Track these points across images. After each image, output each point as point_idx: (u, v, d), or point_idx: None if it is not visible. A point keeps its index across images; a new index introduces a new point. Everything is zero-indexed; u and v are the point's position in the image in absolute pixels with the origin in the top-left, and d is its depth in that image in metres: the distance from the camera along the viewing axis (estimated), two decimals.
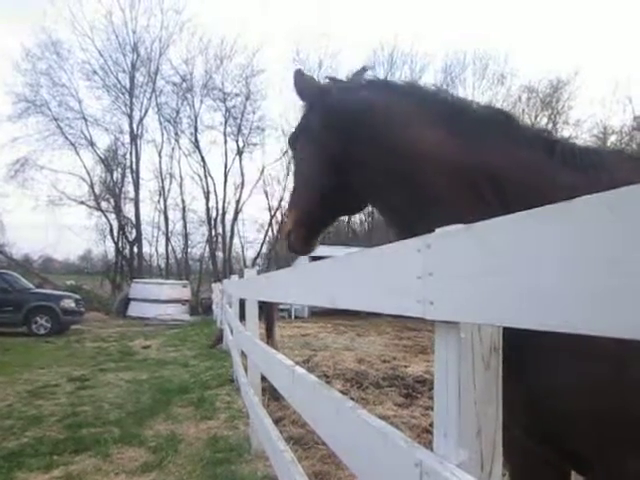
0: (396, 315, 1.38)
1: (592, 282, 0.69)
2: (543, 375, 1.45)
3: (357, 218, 38.10)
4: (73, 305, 18.57)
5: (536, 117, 38.40)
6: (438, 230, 1.13)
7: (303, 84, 2.28)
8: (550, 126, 37.54)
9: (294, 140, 2.34)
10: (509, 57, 43.06)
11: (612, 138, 36.45)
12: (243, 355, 6.44)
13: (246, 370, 5.88)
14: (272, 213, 40.70)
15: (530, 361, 1.45)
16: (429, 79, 38.91)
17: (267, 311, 10.75)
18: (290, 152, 2.47)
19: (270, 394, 6.64)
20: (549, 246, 0.78)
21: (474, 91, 38.77)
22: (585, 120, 36.90)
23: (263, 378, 4.75)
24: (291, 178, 2.34)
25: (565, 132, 37.46)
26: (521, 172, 1.58)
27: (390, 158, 1.84)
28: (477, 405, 1.09)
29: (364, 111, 1.95)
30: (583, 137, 36.84)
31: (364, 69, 2.22)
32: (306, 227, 2.23)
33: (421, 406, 6.89)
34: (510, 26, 57.86)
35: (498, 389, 1.13)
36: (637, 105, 35.21)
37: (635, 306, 0.62)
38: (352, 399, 7.23)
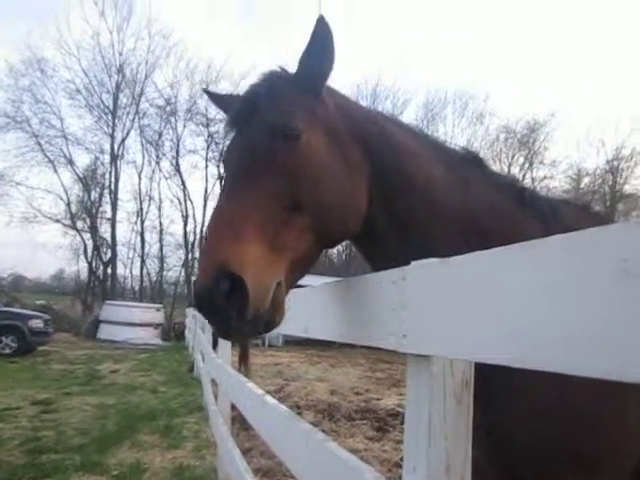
0: (370, 347, 1.38)
1: (556, 318, 0.70)
2: (500, 404, 1.54)
3: (335, 248, 38.23)
4: (41, 325, 18.07)
5: (513, 156, 39.40)
6: (414, 263, 1.13)
7: (330, 47, 1.59)
8: (527, 166, 38.51)
9: (296, 119, 1.55)
10: (489, 97, 44.28)
11: (586, 180, 37.55)
12: (214, 383, 6.33)
13: (216, 398, 5.77)
14: None
15: (491, 391, 1.49)
16: (411, 114, 39.66)
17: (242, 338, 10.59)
18: (275, 139, 1.52)
19: (240, 423, 6.51)
20: (519, 282, 0.79)
21: (454, 128, 39.69)
22: (560, 161, 37.92)
23: (233, 407, 4.67)
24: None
25: (541, 172, 38.49)
26: (500, 223, 1.71)
27: (407, 195, 1.70)
28: (447, 440, 1.09)
29: (391, 139, 1.75)
30: (558, 177, 37.88)
31: None
32: (296, 277, 1.52)
33: (392, 440, 6.82)
34: (490, 67, 59.72)
35: (469, 424, 1.13)
36: (609, 148, 36.35)
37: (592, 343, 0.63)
38: (323, 431, 7.12)
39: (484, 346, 0.88)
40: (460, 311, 0.94)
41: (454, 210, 1.69)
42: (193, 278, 40.88)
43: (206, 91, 1.98)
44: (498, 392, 1.51)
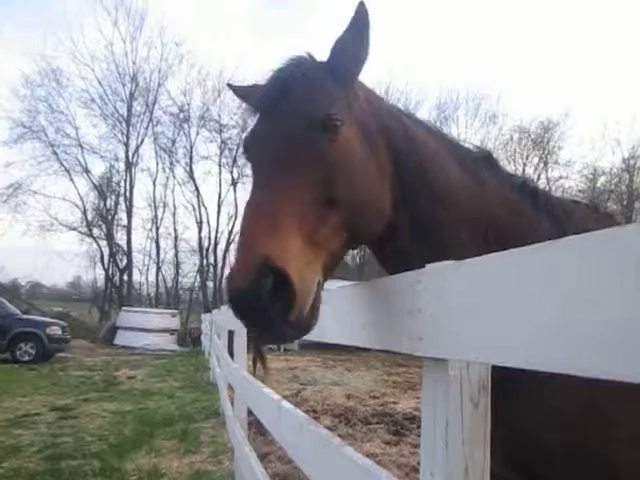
0: (386, 350, 1.37)
1: (572, 320, 0.69)
2: (522, 409, 1.52)
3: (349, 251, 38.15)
4: (59, 332, 18.27)
5: (527, 157, 39.07)
6: (428, 266, 1.13)
7: (366, 35, 1.53)
8: (541, 166, 38.19)
9: (335, 112, 1.47)
10: (501, 97, 44.04)
11: (602, 179, 37.13)
12: (230, 388, 6.34)
13: (233, 403, 5.78)
14: None
15: (511, 395, 1.47)
16: (423, 115, 39.35)
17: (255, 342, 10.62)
18: (311, 132, 1.43)
19: (256, 428, 6.51)
20: (534, 284, 0.78)
21: (467, 129, 39.45)
22: (575, 161, 37.50)
23: (250, 412, 4.67)
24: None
25: (556, 172, 38.14)
26: (515, 223, 1.70)
27: (428, 195, 1.66)
28: (465, 445, 1.08)
29: (414, 138, 1.71)
30: (574, 177, 37.50)
31: None
32: (328, 276, 1.43)
33: (410, 444, 6.77)
34: (503, 67, 59.41)
35: (486, 429, 1.11)
36: (625, 147, 35.92)
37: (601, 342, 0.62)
38: (340, 436, 7.10)
39: (501, 349, 0.87)
40: (476, 314, 0.93)
41: (471, 210, 1.68)
42: (209, 284, 40.82)
43: (230, 86, 1.89)
44: (519, 393, 1.49)
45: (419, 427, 1.20)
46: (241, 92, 1.84)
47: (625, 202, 35.34)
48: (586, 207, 1.99)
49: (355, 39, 1.51)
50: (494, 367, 1.06)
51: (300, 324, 1.23)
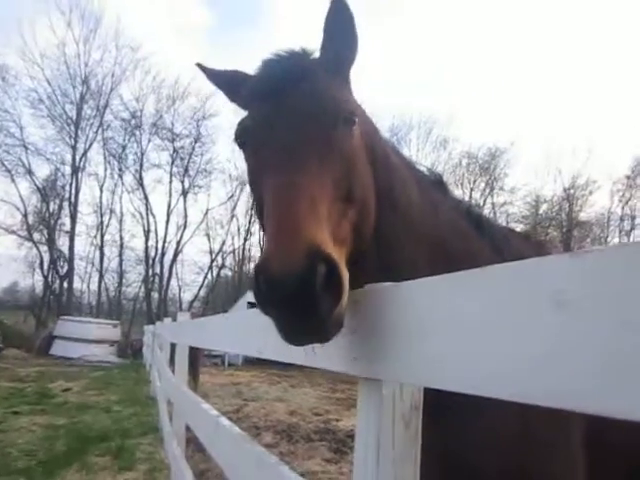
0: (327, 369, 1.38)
1: (501, 345, 0.72)
2: (456, 430, 1.54)
3: None
4: None
5: (475, 182, 40.39)
6: (367, 286, 1.15)
7: (353, 29, 1.53)
8: (488, 191, 39.51)
9: (353, 108, 1.47)
10: (452, 123, 45.40)
11: (544, 206, 38.79)
12: (170, 402, 6.18)
13: (171, 418, 5.63)
14: (213, 256, 40.27)
15: (447, 418, 1.50)
16: None
17: (193, 356, 10.46)
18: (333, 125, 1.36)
19: (195, 445, 6.36)
20: (468, 308, 0.81)
21: (418, 153, 40.47)
22: (519, 188, 39.08)
23: (189, 427, 4.57)
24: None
25: (501, 198, 39.52)
26: (462, 246, 1.75)
27: (391, 214, 1.64)
28: (395, 464, 1.09)
29: (388, 157, 1.71)
30: (517, 204, 38.95)
31: None
32: None
33: (350, 462, 6.77)
34: (454, 94, 61.39)
35: (417, 449, 1.13)
36: (566, 177, 37.68)
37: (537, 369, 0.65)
38: (281, 453, 7.04)
39: (433, 371, 0.89)
40: (410, 335, 0.95)
41: (426, 232, 1.70)
42: (154, 294, 39.67)
43: (199, 65, 1.75)
44: (456, 415, 1.50)
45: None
46: (216, 76, 1.71)
47: (565, 229, 36.98)
48: (520, 236, 2.09)
49: (342, 35, 1.49)
50: (430, 390, 1.07)
51: (339, 322, 1.12)
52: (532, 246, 2.05)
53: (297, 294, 1.00)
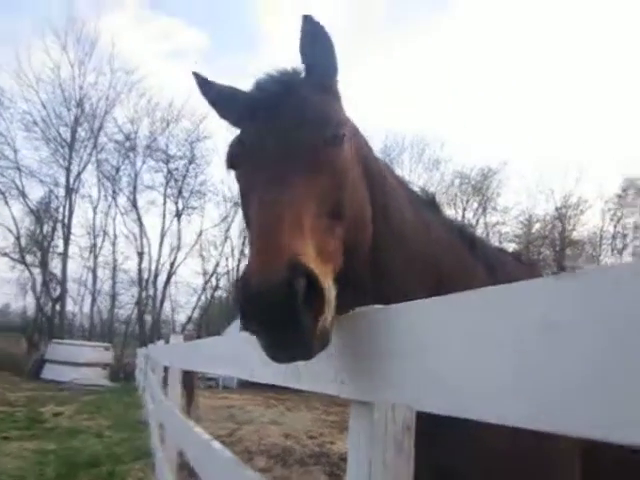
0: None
1: (493, 369, 0.72)
2: (452, 446, 1.54)
3: None
4: None
5: (467, 202, 40.59)
6: (357, 309, 1.14)
7: (331, 47, 1.53)
8: (480, 211, 39.72)
9: (342, 126, 1.47)
10: (445, 144, 45.75)
11: (536, 226, 38.97)
12: (162, 426, 6.09)
13: (163, 443, 5.54)
14: (207, 278, 40.13)
15: (441, 439, 1.48)
16: None
17: (187, 379, 10.34)
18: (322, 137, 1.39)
19: (188, 470, 6.26)
20: (453, 331, 0.81)
21: (410, 173, 40.67)
22: (512, 207, 39.31)
23: (181, 452, 4.50)
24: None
25: (494, 217, 39.70)
26: (456, 267, 1.76)
27: (385, 234, 1.63)
28: None
29: (385, 177, 1.71)
30: (510, 223, 39.14)
31: None
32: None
33: None
34: (447, 115, 62.10)
35: (410, 471, 1.12)
36: (558, 196, 38.00)
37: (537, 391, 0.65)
38: (275, 477, 6.93)
39: (424, 394, 0.89)
40: (399, 358, 0.95)
41: (419, 252, 1.70)
42: (147, 317, 39.42)
43: (195, 74, 1.72)
44: (449, 435, 1.49)
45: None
46: (209, 88, 1.69)
47: (558, 248, 37.16)
48: (512, 256, 2.10)
49: (323, 54, 1.51)
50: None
51: (325, 336, 1.10)
52: (524, 266, 2.07)
53: (276, 306, 0.99)
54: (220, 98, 1.67)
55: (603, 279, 0.57)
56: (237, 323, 24.24)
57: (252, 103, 1.50)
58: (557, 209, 37.96)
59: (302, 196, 1.24)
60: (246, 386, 22.94)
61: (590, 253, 38.86)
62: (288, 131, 1.39)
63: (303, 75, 1.54)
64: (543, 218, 38.76)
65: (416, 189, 1.97)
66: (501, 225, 39.20)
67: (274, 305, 0.99)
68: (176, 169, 38.32)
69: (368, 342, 1.05)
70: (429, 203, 1.91)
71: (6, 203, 35.08)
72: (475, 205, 40.62)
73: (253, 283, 1.02)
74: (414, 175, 40.41)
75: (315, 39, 1.48)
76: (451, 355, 0.81)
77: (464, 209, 39.72)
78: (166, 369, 6.43)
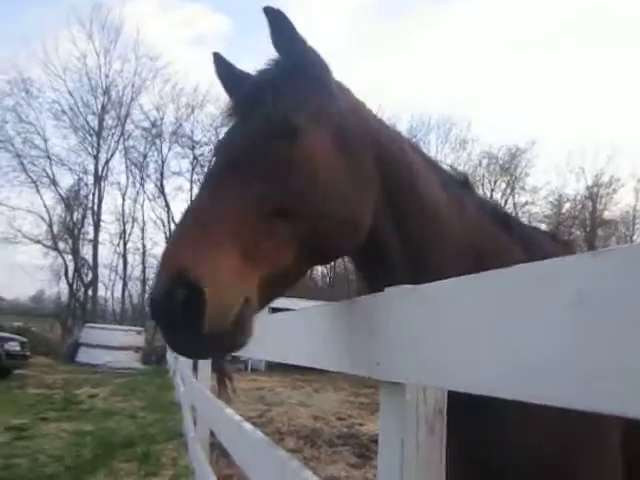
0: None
1: (523, 346, 0.70)
2: (494, 434, 1.48)
3: (319, 271, 38.16)
4: (18, 348, 17.69)
5: (495, 182, 39.99)
6: (387, 289, 1.13)
7: (301, 38, 1.48)
8: (509, 191, 39.08)
9: (298, 117, 1.39)
10: (471, 124, 45.01)
11: (566, 206, 38.22)
12: (194, 408, 6.22)
13: (196, 424, 5.66)
14: None
15: (481, 420, 1.45)
16: None
17: (217, 361, 10.50)
18: (272, 136, 1.36)
19: (220, 450, 6.39)
20: (487, 309, 0.79)
21: (437, 154, 40.20)
22: (541, 187, 38.55)
23: (212, 433, 4.59)
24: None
25: (522, 198, 39.04)
26: (492, 245, 1.72)
27: (419, 215, 1.61)
28: (420, 469, 1.07)
29: (411, 159, 1.66)
30: (539, 203, 38.45)
31: None
32: (274, 292, 1.35)
33: (375, 467, 6.72)
34: (474, 94, 60.91)
35: (442, 453, 1.12)
36: (589, 175, 37.10)
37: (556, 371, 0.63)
38: (304, 458, 7.02)
39: (456, 374, 0.88)
40: (432, 338, 0.94)
41: (455, 232, 1.67)
42: None
43: (216, 54, 1.65)
44: (489, 426, 1.45)
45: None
46: (223, 69, 1.63)
47: (588, 228, 36.39)
48: (546, 235, 2.05)
49: (290, 44, 1.46)
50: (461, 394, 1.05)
51: (216, 341, 1.15)
52: (560, 245, 2.01)
53: (160, 312, 1.12)
54: (228, 83, 1.63)
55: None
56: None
57: (230, 102, 1.52)
58: (588, 188, 37.13)
59: (225, 202, 1.24)
60: (274, 368, 23.23)
61: (623, 233, 37.96)
62: (235, 129, 1.40)
63: (278, 68, 1.49)
64: (573, 198, 38.01)
65: (446, 168, 1.93)
66: (530, 205, 38.58)
67: (159, 311, 1.12)
68: (202, 155, 38.61)
69: (399, 322, 1.05)
70: (461, 182, 1.86)
71: (38, 191, 36.01)
72: (503, 185, 40.04)
73: (150, 293, 1.16)
74: (441, 155, 39.93)
75: (279, 28, 1.43)
76: (484, 333, 0.80)
77: (492, 190, 39.16)
78: None
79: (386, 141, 1.60)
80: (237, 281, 1.17)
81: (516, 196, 39.37)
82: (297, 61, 1.47)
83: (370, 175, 1.50)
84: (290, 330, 1.80)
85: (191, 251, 1.15)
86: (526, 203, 38.71)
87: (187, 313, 1.10)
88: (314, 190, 1.33)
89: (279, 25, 1.43)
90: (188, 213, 1.27)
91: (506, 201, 38.15)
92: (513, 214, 1.98)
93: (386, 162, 1.55)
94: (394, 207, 1.57)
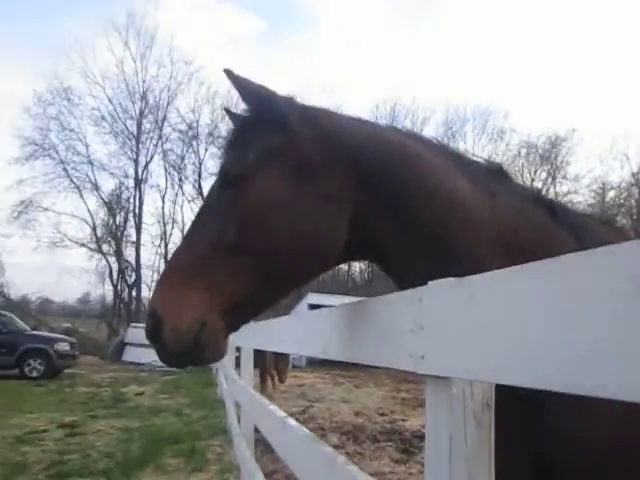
0: (392, 368, 1.36)
1: (579, 336, 0.68)
2: (550, 444, 1.39)
3: (357, 267, 38.06)
4: (67, 348, 18.31)
5: (535, 172, 39.03)
6: (430, 283, 1.12)
7: (259, 89, 1.65)
8: (550, 181, 38.11)
9: (247, 168, 1.57)
10: (509, 113, 43.97)
11: (611, 194, 36.95)
12: (237, 405, 6.31)
13: (240, 420, 5.74)
14: None
15: (538, 417, 1.40)
16: (431, 132, 39.77)
17: (259, 358, 10.62)
18: (226, 186, 1.59)
19: (264, 446, 6.46)
20: (538, 300, 0.78)
21: (474, 145, 39.55)
22: (584, 176, 37.35)
23: (257, 429, 4.64)
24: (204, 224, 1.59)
25: (564, 187, 37.98)
26: (536, 235, 1.63)
27: (425, 210, 1.60)
28: (469, 464, 1.06)
29: (396, 152, 1.66)
30: (582, 192, 37.34)
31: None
32: (240, 316, 1.56)
33: (419, 462, 6.68)
34: (510, 83, 59.59)
35: (491, 448, 1.10)
36: (634, 162, 35.78)
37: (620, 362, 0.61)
38: (348, 454, 7.03)
39: (504, 367, 0.86)
40: (479, 331, 0.92)
41: (484, 221, 1.61)
42: None
43: (227, 111, 1.92)
44: (554, 423, 1.37)
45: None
46: (243, 87, 1.69)
47: (635, 216, 35.11)
48: (600, 221, 1.93)
49: (251, 96, 1.66)
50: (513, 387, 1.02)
51: (181, 356, 1.48)
52: (616, 232, 1.90)
53: (148, 339, 1.48)
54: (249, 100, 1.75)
55: None
56: (305, 303, 24.60)
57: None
58: (633, 175, 35.76)
59: (189, 244, 1.56)
60: (315, 364, 23.33)
61: None
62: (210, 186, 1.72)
63: (244, 118, 1.74)
64: (618, 185, 36.66)
65: (480, 160, 1.88)
66: (572, 194, 37.46)
67: (148, 337, 1.48)
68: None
69: (444, 315, 1.03)
70: (495, 173, 1.81)
71: (81, 196, 37.11)
72: (544, 175, 39.03)
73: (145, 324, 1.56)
74: (477, 147, 39.31)
75: (239, 85, 1.65)
76: (535, 325, 0.78)
77: (532, 179, 38.17)
78: (238, 349, 6.63)
79: (370, 153, 1.64)
80: (191, 312, 1.43)
81: (557, 185, 38.34)
82: (258, 109, 1.66)
83: (344, 195, 1.58)
84: (330, 326, 1.80)
85: (159, 295, 1.48)
86: (568, 192, 37.64)
87: (156, 338, 1.45)
88: (257, 229, 1.50)
89: (239, 83, 1.65)
90: (168, 260, 1.67)
91: (547, 191, 37.09)
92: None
93: (367, 165, 1.61)
94: (393, 212, 1.60)
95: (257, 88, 1.64)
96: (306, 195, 1.54)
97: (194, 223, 1.62)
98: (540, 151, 38.74)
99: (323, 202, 1.55)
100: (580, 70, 59.54)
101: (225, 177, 1.61)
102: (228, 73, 1.67)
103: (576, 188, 37.55)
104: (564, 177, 38.35)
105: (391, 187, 1.61)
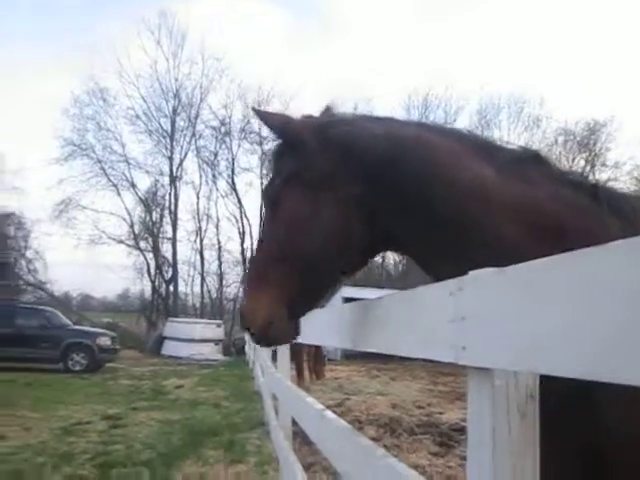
0: (430, 359, 1.35)
1: (624, 327, 0.66)
2: (597, 426, 1.33)
3: (391, 259, 37.83)
4: (109, 343, 18.82)
5: (573, 159, 37.94)
6: (471, 273, 1.10)
7: (279, 119, 1.93)
8: (588, 168, 37.02)
9: (276, 192, 1.87)
10: (544, 100, 42.71)
11: None
12: (275, 397, 6.37)
13: (277, 413, 5.80)
14: None
15: (590, 408, 1.34)
16: (464, 121, 39.04)
17: (296, 351, 10.69)
18: (268, 209, 1.93)
19: (302, 438, 6.50)
20: (584, 289, 0.75)
21: (509, 133, 38.65)
22: (625, 162, 36.04)
23: (294, 421, 4.68)
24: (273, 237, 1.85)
25: (604, 174, 36.82)
26: (578, 219, 1.58)
27: (444, 200, 1.64)
28: (513, 456, 1.04)
29: (403, 146, 1.71)
30: (623, 179, 36.14)
31: (328, 109, 2.03)
32: (299, 307, 1.84)
33: (458, 455, 6.63)
34: (545, 69, 58.10)
35: (535, 440, 1.08)
36: None
37: None
38: (385, 446, 7.02)
39: (548, 358, 0.84)
40: (521, 321, 0.90)
41: (514, 208, 1.58)
42: None
43: (255, 110, 2.05)
44: (597, 408, 1.31)
45: (467, 438, 1.17)
46: (265, 118, 1.99)
47: None
48: None
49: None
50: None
51: (256, 339, 1.88)
52: None
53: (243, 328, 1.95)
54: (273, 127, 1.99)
55: None
56: (339, 296, 24.63)
57: None
58: None
59: (262, 251, 1.86)
60: (350, 357, 23.35)
61: None
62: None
63: (275, 148, 2.00)
64: None
65: (514, 147, 1.83)
66: (613, 182, 36.25)
67: (243, 328, 1.95)
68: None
69: (486, 305, 1.01)
70: (531, 159, 1.75)
71: (118, 194, 37.90)
72: (582, 162, 37.85)
73: (239, 321, 2.09)
74: (513, 135, 38.39)
75: (266, 120, 1.94)
76: (574, 314, 0.76)
77: (570, 167, 37.10)
78: None
79: (378, 152, 1.71)
80: (261, 315, 1.77)
81: (597, 173, 37.12)
82: (281, 137, 1.93)
83: (355, 195, 1.73)
84: (366, 318, 1.80)
85: (243, 304, 1.95)
86: (608, 180, 36.43)
87: (247, 333, 1.92)
88: (290, 242, 1.76)
89: (265, 118, 1.95)
90: (246, 271, 2.15)
91: (586, 179, 36.11)
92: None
93: (371, 164, 1.72)
94: (408, 205, 1.68)
95: (278, 118, 1.92)
96: (324, 204, 1.74)
97: (259, 238, 2.01)
98: (578, 138, 37.63)
99: (339, 207, 1.74)
100: (618, 53, 57.60)
101: (266, 200, 1.91)
102: (255, 111, 2.01)
103: (616, 175, 36.32)
104: (603, 164, 37.18)
105: (403, 181, 1.67)
